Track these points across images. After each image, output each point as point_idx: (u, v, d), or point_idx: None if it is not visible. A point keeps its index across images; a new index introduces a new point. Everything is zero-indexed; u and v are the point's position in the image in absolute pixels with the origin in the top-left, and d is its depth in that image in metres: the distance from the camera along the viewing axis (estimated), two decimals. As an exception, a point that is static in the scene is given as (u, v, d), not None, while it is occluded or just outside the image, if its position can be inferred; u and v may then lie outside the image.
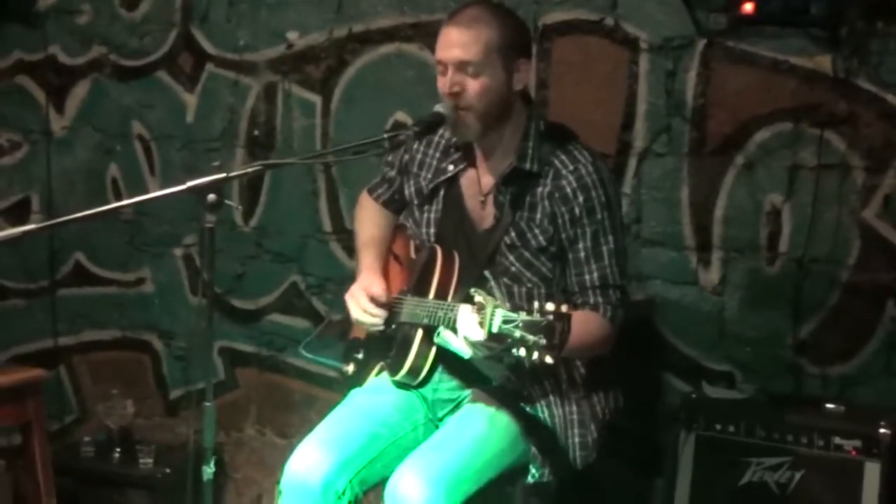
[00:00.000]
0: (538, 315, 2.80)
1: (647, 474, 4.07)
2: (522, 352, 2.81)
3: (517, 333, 2.81)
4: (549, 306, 2.80)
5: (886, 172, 3.79)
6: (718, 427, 3.71)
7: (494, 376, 3.43)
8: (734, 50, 3.97)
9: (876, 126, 3.79)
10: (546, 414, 3.42)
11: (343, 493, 3.34)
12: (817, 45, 3.83)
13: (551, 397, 3.42)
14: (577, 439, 3.43)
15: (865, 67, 3.78)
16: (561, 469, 3.44)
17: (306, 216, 4.75)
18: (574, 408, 3.44)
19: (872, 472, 3.46)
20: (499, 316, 2.86)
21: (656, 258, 4.13)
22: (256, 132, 4.80)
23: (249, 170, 3.28)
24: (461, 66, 3.29)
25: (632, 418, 3.77)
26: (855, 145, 3.82)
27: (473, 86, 3.30)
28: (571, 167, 3.35)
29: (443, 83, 3.34)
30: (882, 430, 3.47)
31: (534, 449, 3.39)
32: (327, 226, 4.72)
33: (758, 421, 3.66)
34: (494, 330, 2.87)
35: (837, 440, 3.53)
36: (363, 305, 3.53)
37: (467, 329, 2.97)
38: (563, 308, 2.80)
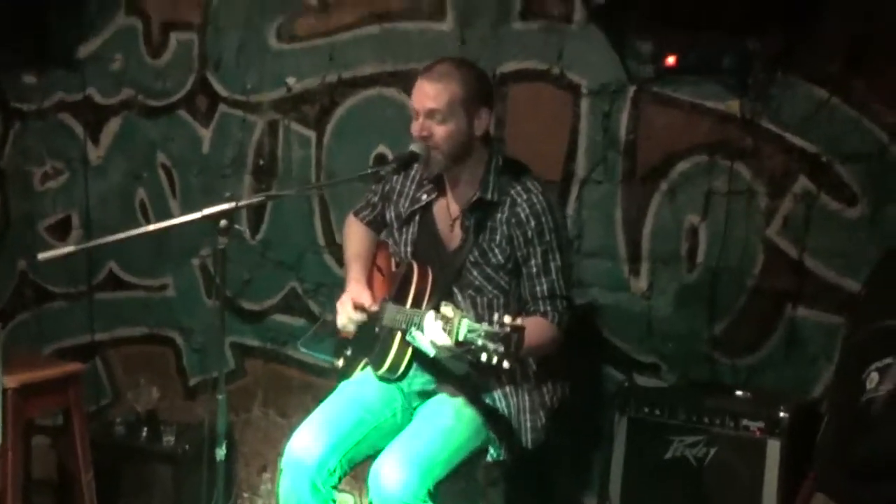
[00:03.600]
0: (497, 327, 2.80)
1: (587, 449, 4.06)
2: (483, 356, 2.82)
3: (479, 341, 2.82)
4: (507, 319, 2.80)
5: (785, 197, 3.79)
6: (647, 410, 3.70)
7: (458, 370, 3.42)
8: (659, 95, 3.96)
9: (776, 159, 3.79)
10: (503, 404, 3.42)
11: (334, 471, 3.35)
12: (728, 92, 3.83)
13: (507, 388, 3.42)
14: (528, 424, 3.43)
15: (767, 110, 3.78)
16: (515, 448, 3.44)
17: (303, 231, 4.71)
18: (526, 397, 3.43)
19: (774, 449, 3.45)
20: (464, 326, 2.86)
21: (595, 268, 4.10)
22: (261, 161, 4.76)
23: (255, 200, 3.26)
24: (430, 113, 3.29)
25: (575, 402, 3.77)
26: (759, 175, 3.82)
27: (440, 131, 3.30)
28: (525, 196, 3.35)
29: (415, 127, 3.34)
30: (782, 414, 3.47)
31: (493, 434, 3.39)
32: (321, 240, 4.68)
33: (679, 405, 3.65)
34: (461, 338, 2.87)
35: (745, 421, 3.52)
36: (349, 314, 3.51)
37: (435, 335, 2.96)
38: (518, 321, 2.81)
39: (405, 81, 4.34)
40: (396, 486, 3.13)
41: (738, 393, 3.72)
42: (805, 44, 3.70)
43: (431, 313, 2.99)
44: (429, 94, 3.29)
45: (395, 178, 3.59)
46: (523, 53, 4.18)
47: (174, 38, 4.91)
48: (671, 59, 3.86)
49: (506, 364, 2.78)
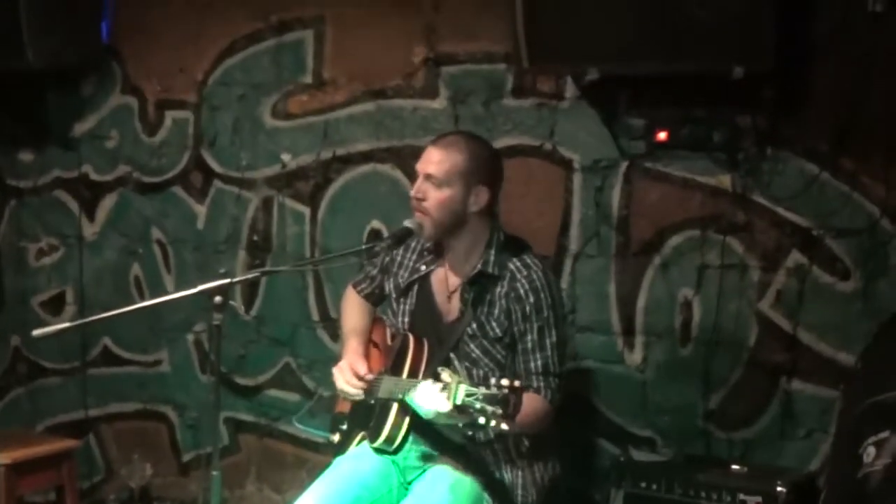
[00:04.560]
0: (495, 389, 2.79)
1: (584, 525, 4.02)
2: (482, 420, 2.80)
3: (477, 405, 2.80)
4: (504, 382, 2.79)
5: (778, 271, 3.81)
6: (643, 485, 3.65)
7: (455, 441, 3.37)
8: (651, 170, 3.99)
9: (768, 233, 3.81)
10: (497, 477, 3.37)
11: (329, 547, 3.29)
12: (719, 167, 3.86)
13: (501, 463, 3.37)
14: (519, 500, 3.38)
15: (759, 185, 3.81)
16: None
17: (297, 307, 4.70)
18: (518, 472, 3.38)
19: (771, 524, 3.42)
20: (462, 390, 2.84)
21: (589, 342, 4.10)
22: (256, 237, 4.77)
23: (250, 276, 3.27)
24: (429, 177, 3.32)
25: (571, 477, 3.73)
26: (751, 248, 3.84)
27: (434, 195, 3.31)
28: (525, 272, 3.34)
29: (413, 187, 3.37)
30: (779, 488, 3.42)
31: (489, 505, 3.35)
32: (315, 315, 4.67)
33: (675, 480, 3.60)
34: (458, 402, 2.84)
35: (742, 496, 3.47)
36: (347, 379, 3.49)
37: (434, 402, 2.93)
38: (516, 383, 2.79)
39: (399, 158, 4.39)
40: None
41: (735, 467, 3.69)
42: (794, 121, 3.73)
43: (429, 381, 2.97)
44: (432, 160, 3.33)
45: (395, 251, 3.59)
46: (515, 130, 4.21)
47: (169, 116, 4.95)
48: (662, 135, 3.91)
49: (504, 426, 2.76)
